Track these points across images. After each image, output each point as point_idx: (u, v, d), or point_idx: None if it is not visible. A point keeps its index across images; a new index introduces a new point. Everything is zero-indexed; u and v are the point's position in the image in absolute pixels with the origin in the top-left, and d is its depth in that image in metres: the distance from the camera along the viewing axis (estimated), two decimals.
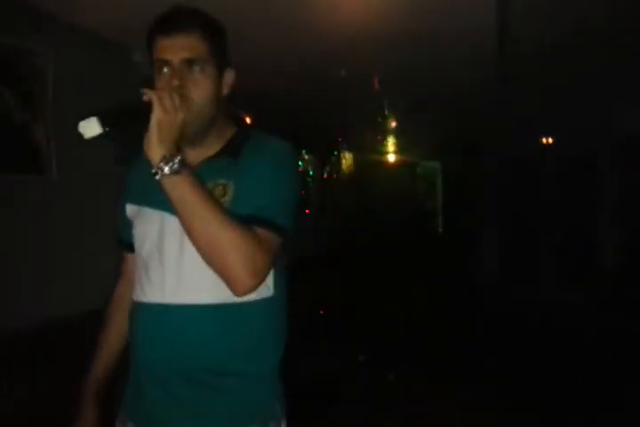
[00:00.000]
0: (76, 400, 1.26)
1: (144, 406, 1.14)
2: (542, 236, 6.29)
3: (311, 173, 5.70)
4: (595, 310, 4.90)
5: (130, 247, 1.22)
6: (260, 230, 1.02)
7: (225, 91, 1.14)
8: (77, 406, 1.26)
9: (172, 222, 1.07)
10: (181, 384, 1.09)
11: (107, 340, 1.28)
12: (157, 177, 0.95)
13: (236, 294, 1.01)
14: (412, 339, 4.54)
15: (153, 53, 1.08)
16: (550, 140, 6.16)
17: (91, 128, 0.91)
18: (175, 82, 1.03)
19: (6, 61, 2.14)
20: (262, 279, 1.01)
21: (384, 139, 7.05)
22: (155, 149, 0.95)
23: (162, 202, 1.02)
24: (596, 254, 5.77)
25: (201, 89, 1.06)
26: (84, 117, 0.91)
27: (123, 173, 1.29)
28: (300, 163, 5.42)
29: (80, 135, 0.91)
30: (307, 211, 5.46)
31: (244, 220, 1.01)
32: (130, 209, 1.21)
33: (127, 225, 1.22)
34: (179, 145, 0.98)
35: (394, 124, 5.66)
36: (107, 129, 0.91)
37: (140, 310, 1.16)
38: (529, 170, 6.36)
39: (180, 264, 1.08)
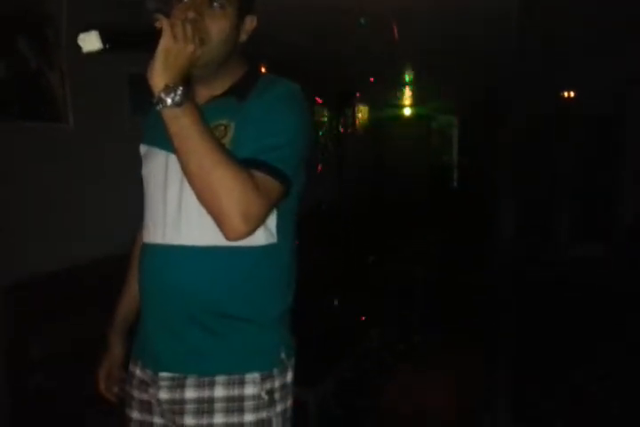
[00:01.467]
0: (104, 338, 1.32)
1: (149, 344, 1.16)
2: (560, 192, 6.23)
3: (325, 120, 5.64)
4: (614, 266, 4.90)
5: None
6: (259, 174, 0.97)
7: (243, 37, 1.10)
8: (105, 344, 1.32)
9: (175, 162, 1.04)
10: (183, 324, 1.09)
11: (130, 281, 1.31)
12: (158, 108, 0.92)
13: (227, 238, 0.97)
14: (425, 293, 4.56)
15: None
16: (572, 94, 6.01)
17: (90, 42, 0.86)
18: (191, 14, 0.97)
19: (20, 9, 2.11)
20: (255, 226, 0.97)
21: (400, 91, 6.91)
22: (158, 77, 0.91)
23: (167, 141, 1.00)
24: (616, 210, 5.73)
25: (217, 27, 1.02)
26: (86, 30, 0.87)
27: (138, 122, 1.30)
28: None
29: (83, 52, 0.87)
30: (319, 169, 5.34)
31: (244, 163, 0.97)
32: (142, 150, 1.21)
33: None
34: (185, 79, 0.94)
35: (409, 76, 5.53)
36: (107, 46, 0.87)
37: (145, 251, 1.17)
38: (548, 125, 6.24)
39: (180, 205, 1.07)
